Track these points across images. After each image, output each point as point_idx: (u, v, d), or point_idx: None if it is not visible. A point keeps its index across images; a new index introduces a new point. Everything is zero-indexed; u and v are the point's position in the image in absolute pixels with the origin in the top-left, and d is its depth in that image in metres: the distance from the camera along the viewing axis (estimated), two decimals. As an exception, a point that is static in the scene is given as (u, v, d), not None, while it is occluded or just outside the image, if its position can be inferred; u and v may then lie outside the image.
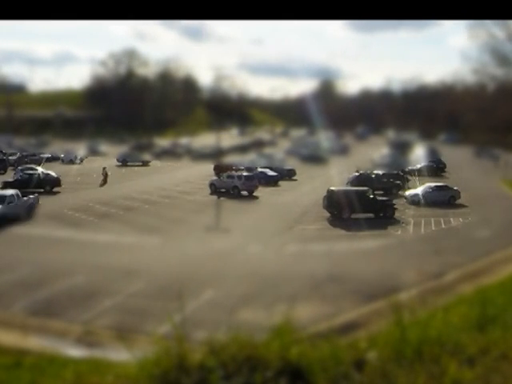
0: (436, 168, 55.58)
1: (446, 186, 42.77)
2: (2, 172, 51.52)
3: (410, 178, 49.69)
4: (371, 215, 35.52)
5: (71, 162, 59.74)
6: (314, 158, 58.68)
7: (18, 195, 34.87)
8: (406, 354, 6.20)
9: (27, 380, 9.19)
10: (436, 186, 42.48)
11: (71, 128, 57.57)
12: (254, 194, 44.17)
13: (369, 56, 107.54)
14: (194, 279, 21.79)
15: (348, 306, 18.59)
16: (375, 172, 48.10)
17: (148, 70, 63.99)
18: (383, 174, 47.74)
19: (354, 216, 35.30)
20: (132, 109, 59.59)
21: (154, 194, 43.16)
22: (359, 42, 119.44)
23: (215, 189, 44.88)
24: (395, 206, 36.78)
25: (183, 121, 64.94)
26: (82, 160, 60.83)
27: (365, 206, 35.50)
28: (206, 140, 58.82)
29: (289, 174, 52.90)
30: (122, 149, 60.21)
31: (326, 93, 69.45)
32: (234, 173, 46.55)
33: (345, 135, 66.51)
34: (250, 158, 58.49)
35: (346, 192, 37.43)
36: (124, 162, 59.43)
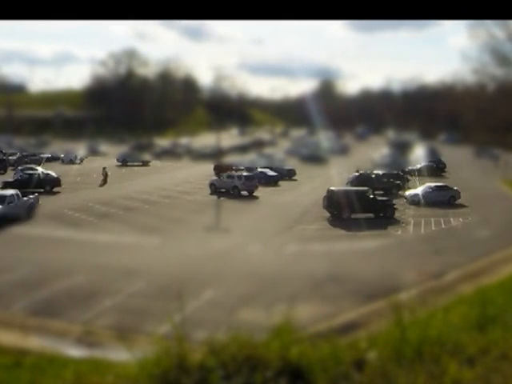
0: (436, 168, 55.56)
1: (445, 186, 42.76)
2: (2, 172, 51.51)
3: (410, 178, 49.69)
4: (371, 215, 35.52)
5: (71, 161, 59.74)
6: (314, 158, 58.68)
7: (18, 195, 34.87)
8: (406, 354, 6.20)
9: (27, 380, 9.18)
10: (436, 186, 42.48)
11: (71, 128, 57.56)
12: (254, 194, 44.17)
13: (369, 56, 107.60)
14: (193, 279, 21.79)
15: (348, 306, 18.58)
16: (375, 172, 48.09)
17: (148, 70, 64.03)
18: (383, 174, 47.73)
19: (353, 216, 35.30)
20: (132, 109, 59.59)
21: (153, 194, 43.16)
22: (359, 41, 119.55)
23: (215, 189, 44.87)
24: (395, 206, 36.78)
25: (183, 121, 64.93)
26: (81, 160, 60.85)
27: (365, 206, 35.49)
28: (206, 140, 58.81)
29: (289, 174, 52.90)
30: (122, 149, 60.21)
31: (326, 93, 69.45)
32: (233, 173, 46.55)
33: (345, 135, 66.52)
34: (249, 158, 58.47)
35: (345, 192, 37.43)
36: (124, 161, 59.43)
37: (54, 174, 45.98)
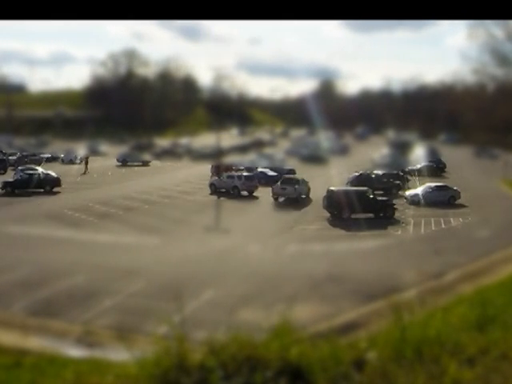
0: (436, 168, 55.53)
1: (445, 186, 42.75)
2: (2, 172, 51.48)
3: (410, 177, 49.67)
4: (371, 215, 35.51)
5: (71, 162, 59.72)
6: (314, 158, 58.64)
7: None
8: (406, 354, 6.20)
9: (27, 380, 9.18)
10: (436, 186, 42.47)
11: (71, 128, 57.58)
12: (254, 194, 44.17)
13: (368, 56, 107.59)
14: (193, 279, 21.79)
15: (348, 306, 18.58)
16: (375, 172, 48.07)
17: (148, 70, 64.05)
18: (383, 173, 47.71)
19: (353, 216, 35.30)
20: (132, 109, 59.61)
21: (153, 194, 43.15)
22: (358, 42, 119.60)
23: (215, 189, 44.87)
24: (395, 206, 36.78)
25: (183, 121, 64.95)
26: (81, 160, 60.84)
27: (365, 206, 35.49)
28: (206, 140, 58.80)
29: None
30: (122, 149, 60.19)
31: (326, 93, 69.49)
32: (233, 173, 46.55)
33: (345, 135, 66.54)
34: (249, 158, 58.46)
35: (345, 192, 37.42)
36: (124, 161, 59.40)
37: (53, 174, 45.98)
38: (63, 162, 60.08)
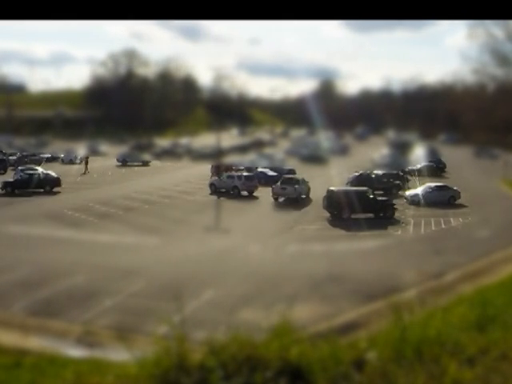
0: (436, 168, 55.55)
1: (445, 186, 42.74)
2: (2, 172, 51.50)
3: (410, 178, 49.68)
4: (371, 215, 35.51)
5: (71, 162, 59.73)
6: (314, 158, 58.66)
7: None
8: (406, 354, 6.20)
9: (27, 380, 9.19)
10: (436, 186, 42.47)
11: (71, 128, 57.62)
12: (254, 194, 44.17)
13: (368, 56, 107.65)
14: (194, 279, 21.79)
15: (348, 306, 18.58)
16: (375, 172, 48.08)
17: (148, 70, 64.07)
18: (383, 173, 47.71)
19: (353, 216, 35.30)
20: (132, 109, 59.65)
21: (153, 194, 43.15)
22: (358, 42, 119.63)
23: (215, 189, 44.88)
24: (395, 206, 36.78)
25: (183, 121, 64.99)
26: (81, 160, 60.86)
27: (365, 206, 35.48)
28: (206, 140, 58.80)
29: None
30: (122, 149, 60.20)
31: (326, 93, 69.53)
32: (233, 173, 46.56)
33: (345, 135, 66.57)
34: (249, 158, 58.48)
35: (345, 192, 37.41)
36: (124, 161, 59.42)
37: (53, 174, 45.99)
38: (63, 162, 60.11)
